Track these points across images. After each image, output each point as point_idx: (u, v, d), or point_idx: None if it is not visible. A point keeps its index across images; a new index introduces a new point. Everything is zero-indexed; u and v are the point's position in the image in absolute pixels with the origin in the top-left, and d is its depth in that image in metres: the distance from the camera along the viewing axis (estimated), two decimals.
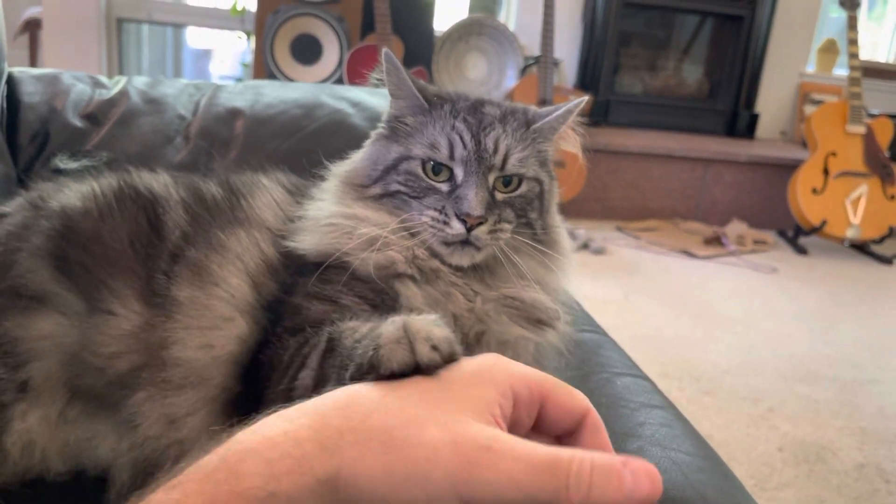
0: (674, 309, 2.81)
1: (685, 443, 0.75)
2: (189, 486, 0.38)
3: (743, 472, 1.79)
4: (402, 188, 0.69)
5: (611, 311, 2.73)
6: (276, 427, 0.41)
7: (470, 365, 0.46)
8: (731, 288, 3.12)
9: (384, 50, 0.71)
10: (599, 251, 3.38)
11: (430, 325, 0.48)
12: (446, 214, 0.66)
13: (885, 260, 3.70)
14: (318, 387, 0.54)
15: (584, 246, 3.42)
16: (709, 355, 2.41)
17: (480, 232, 0.65)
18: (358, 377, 0.48)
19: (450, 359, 0.47)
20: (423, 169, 0.69)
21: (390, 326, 0.49)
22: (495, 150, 0.68)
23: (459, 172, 0.68)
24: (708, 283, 3.16)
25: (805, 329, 2.74)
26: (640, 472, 0.41)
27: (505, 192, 0.70)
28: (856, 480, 1.80)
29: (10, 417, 0.62)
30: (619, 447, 0.72)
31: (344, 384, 0.46)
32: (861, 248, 3.83)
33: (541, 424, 0.47)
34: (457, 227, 0.65)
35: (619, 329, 2.55)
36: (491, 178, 0.68)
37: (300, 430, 0.41)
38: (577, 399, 0.47)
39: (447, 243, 0.66)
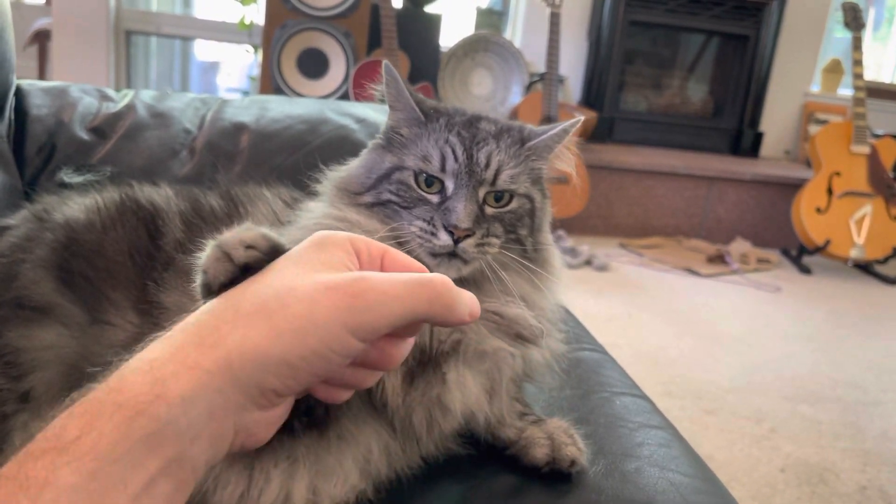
0: (677, 327, 2.80)
1: (683, 464, 0.75)
2: (73, 410, 0.39)
3: (745, 493, 1.78)
4: (394, 197, 0.69)
5: (613, 329, 2.72)
6: (154, 345, 0.42)
7: (307, 240, 0.49)
8: (734, 307, 3.11)
9: (384, 62, 0.73)
10: (603, 268, 3.38)
11: (240, 232, 0.50)
12: (434, 225, 0.66)
13: (889, 280, 3.69)
14: None
15: (588, 262, 3.41)
16: (711, 374, 2.41)
17: (468, 245, 0.66)
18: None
19: (273, 251, 0.48)
20: (416, 180, 0.69)
21: (207, 251, 0.50)
22: (487, 165, 0.69)
23: (450, 185, 0.68)
24: (711, 301, 3.15)
25: (808, 349, 2.73)
26: (474, 297, 0.49)
27: (495, 208, 0.70)
28: (858, 503, 1.79)
29: (12, 428, 0.63)
30: (617, 467, 0.72)
31: None
32: (865, 268, 3.82)
33: None
34: (444, 239, 0.66)
35: (622, 347, 2.54)
36: (481, 193, 0.69)
37: (176, 338, 0.42)
38: (415, 261, 0.52)
39: (434, 254, 0.67)
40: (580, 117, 0.75)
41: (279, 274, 0.46)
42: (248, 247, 0.48)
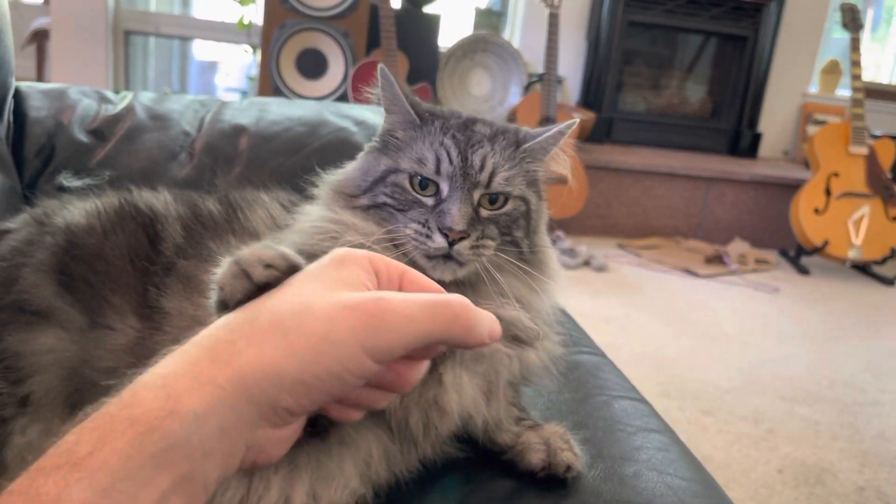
0: (675, 328, 2.80)
1: (682, 468, 0.75)
2: (85, 426, 0.38)
3: (743, 494, 1.79)
4: (389, 200, 0.70)
5: (612, 330, 2.73)
6: (168, 359, 0.42)
7: (327, 257, 0.49)
8: (732, 307, 3.12)
9: (380, 65, 0.73)
10: (601, 268, 3.38)
11: (259, 250, 0.50)
12: (429, 228, 0.66)
13: (887, 281, 3.70)
14: None
15: (586, 263, 3.42)
16: (709, 375, 2.41)
17: (462, 247, 0.66)
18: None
19: (291, 270, 0.48)
20: (410, 182, 0.69)
21: (224, 267, 0.50)
22: (482, 168, 0.69)
23: (445, 187, 0.69)
24: (709, 302, 3.16)
25: (806, 350, 2.73)
26: (494, 318, 0.49)
27: (490, 210, 0.70)
28: (856, 503, 1.79)
29: (11, 431, 0.63)
30: (616, 471, 0.72)
31: None
32: (863, 268, 3.83)
33: None
34: (439, 241, 0.66)
35: (620, 348, 2.55)
36: (476, 195, 0.69)
37: (191, 352, 0.42)
38: (433, 282, 0.51)
39: (430, 257, 0.67)
40: (576, 119, 0.75)
41: (297, 290, 0.46)
42: (267, 265, 0.48)
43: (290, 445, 0.46)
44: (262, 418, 0.41)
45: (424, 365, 0.50)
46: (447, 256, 0.66)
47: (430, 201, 0.69)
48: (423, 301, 0.45)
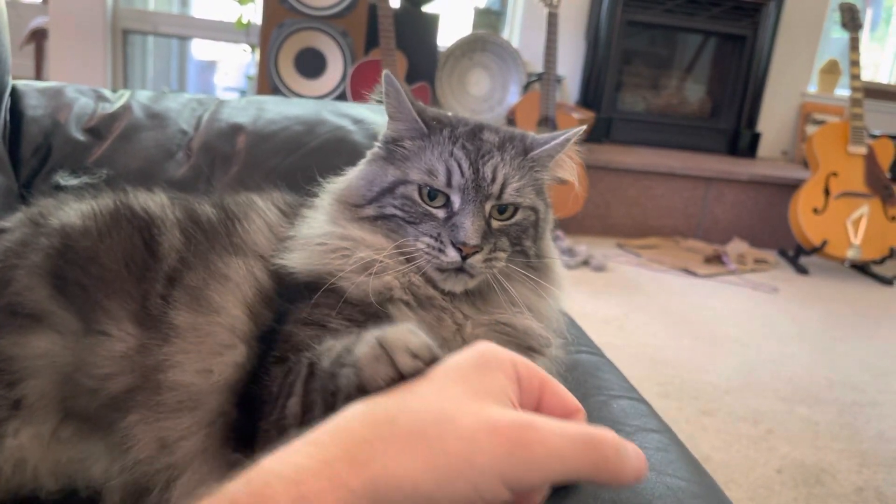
0: (674, 328, 2.80)
1: (681, 468, 0.75)
2: None
3: (741, 494, 1.78)
4: (398, 212, 0.69)
5: (611, 330, 2.72)
6: (301, 450, 0.40)
7: (470, 354, 0.46)
8: (731, 307, 3.11)
9: (384, 71, 0.71)
10: (600, 268, 3.38)
11: (405, 335, 0.48)
12: (442, 242, 0.66)
13: (886, 281, 3.70)
14: (305, 413, 0.54)
15: (585, 263, 3.41)
16: (708, 375, 2.41)
17: (475, 261, 0.66)
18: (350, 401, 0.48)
19: (432, 363, 0.47)
20: (420, 194, 0.69)
21: (365, 347, 0.48)
22: (493, 179, 0.68)
23: (456, 200, 0.68)
24: (708, 302, 3.15)
25: (805, 350, 2.73)
26: (642, 455, 0.45)
27: (501, 220, 0.70)
28: (854, 503, 1.79)
29: (3, 434, 0.62)
30: None
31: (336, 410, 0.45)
32: (862, 268, 3.82)
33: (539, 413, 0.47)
34: (452, 256, 0.65)
35: (619, 348, 2.54)
36: (488, 207, 0.68)
37: (327, 448, 0.40)
38: (570, 395, 0.49)
39: (442, 269, 0.66)
40: (583, 126, 0.75)
41: (439, 393, 0.43)
42: (414, 355, 0.47)
43: None
44: None
45: (547, 488, 0.47)
46: (459, 269, 0.66)
47: (441, 214, 0.68)
48: (573, 436, 0.41)
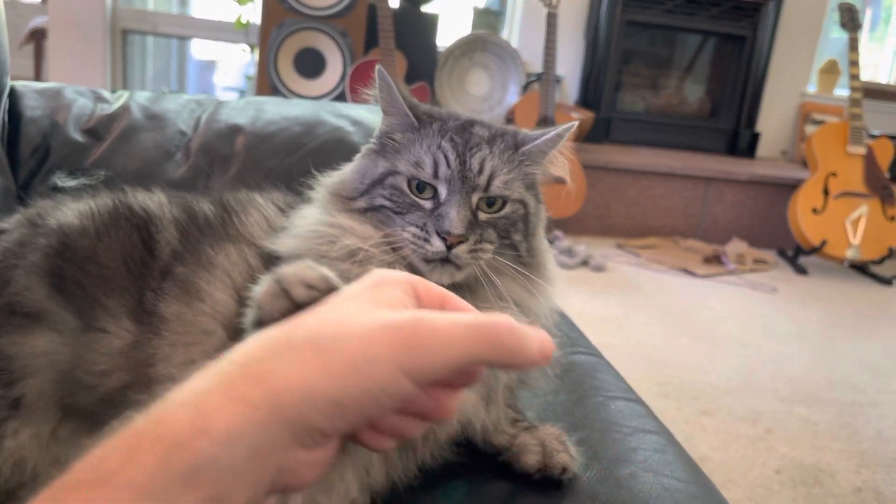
0: (673, 328, 2.80)
1: (678, 469, 0.75)
2: (112, 442, 0.37)
3: (740, 494, 1.78)
4: (387, 203, 0.69)
5: (610, 330, 2.72)
6: (199, 376, 0.40)
7: (365, 278, 0.47)
8: (730, 307, 3.12)
9: (377, 67, 0.72)
10: (599, 268, 3.38)
11: (301, 269, 0.49)
12: (427, 231, 0.66)
13: (885, 281, 3.70)
14: None
15: (584, 263, 3.41)
16: (707, 375, 2.41)
17: (461, 251, 0.66)
18: None
19: (330, 292, 0.47)
20: (408, 185, 0.69)
21: (264, 284, 0.49)
22: (480, 171, 0.69)
23: (443, 191, 0.68)
24: (707, 302, 3.16)
25: (804, 350, 2.73)
26: (546, 335, 0.46)
27: (488, 213, 0.70)
28: None
29: (2, 434, 0.62)
30: (612, 472, 0.72)
31: None
32: (861, 268, 3.83)
33: None
34: (437, 245, 0.65)
35: (618, 348, 2.54)
36: (474, 198, 0.69)
37: (223, 369, 0.40)
38: (473, 308, 0.49)
39: (427, 260, 0.66)
40: (575, 122, 0.75)
41: (334, 309, 0.44)
42: (309, 286, 0.47)
43: (324, 469, 0.44)
44: (295, 439, 0.39)
45: (462, 392, 0.47)
46: (445, 260, 0.66)
47: (428, 204, 0.68)
48: (465, 321, 0.42)
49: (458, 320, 0.43)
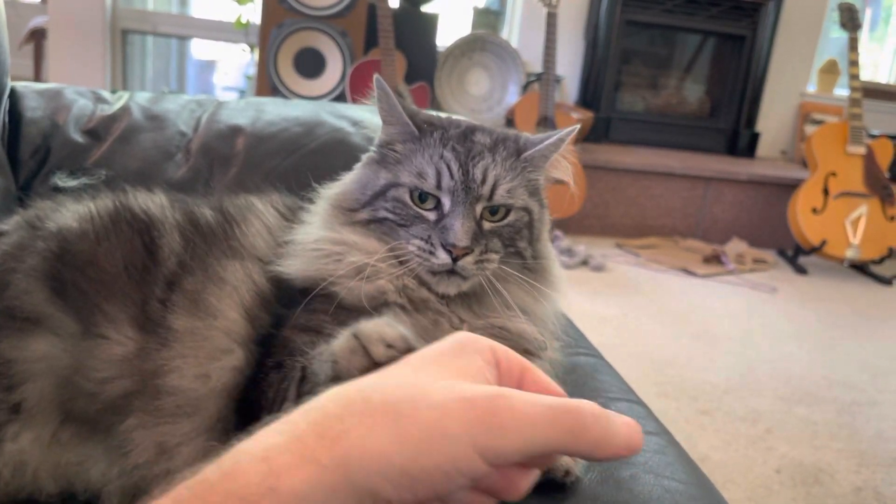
0: (673, 328, 2.80)
1: (678, 470, 0.75)
2: (180, 492, 0.36)
3: (740, 494, 1.79)
4: (390, 215, 0.69)
5: (609, 330, 2.72)
6: (273, 429, 0.40)
7: (447, 341, 0.46)
8: (730, 307, 3.12)
9: (375, 76, 0.72)
10: (599, 268, 3.38)
11: (380, 327, 0.49)
12: (432, 244, 0.66)
13: (885, 281, 3.70)
14: None
15: (584, 262, 3.41)
16: (707, 375, 2.41)
17: (466, 262, 0.66)
18: None
19: (408, 352, 0.47)
20: (411, 197, 0.69)
21: (342, 339, 0.49)
22: (483, 181, 0.68)
23: (446, 202, 0.68)
24: (707, 301, 3.16)
25: (804, 350, 2.73)
26: (633, 424, 0.43)
27: (492, 222, 0.70)
28: (853, 503, 1.79)
29: (3, 438, 0.62)
30: (612, 474, 0.72)
31: None
32: (861, 268, 3.83)
33: None
34: (442, 258, 0.65)
35: (618, 348, 2.54)
36: (478, 208, 0.68)
37: (298, 425, 0.39)
38: (553, 382, 0.48)
39: (434, 272, 0.66)
40: (576, 125, 0.75)
41: (414, 374, 0.43)
42: (388, 346, 0.47)
43: None
44: None
45: (536, 473, 0.45)
46: (451, 272, 0.66)
47: (432, 216, 0.68)
48: (548, 404, 0.41)
49: (540, 401, 0.41)
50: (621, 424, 0.42)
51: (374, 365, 0.46)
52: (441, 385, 0.41)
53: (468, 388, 0.41)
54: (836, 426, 2.16)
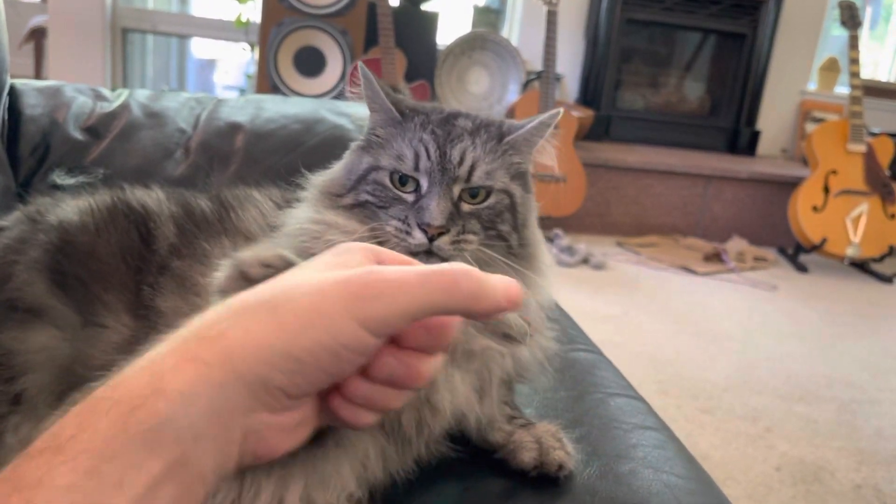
0: (673, 326, 2.80)
1: (678, 465, 0.75)
2: (71, 411, 0.37)
3: (740, 492, 1.79)
4: (371, 198, 0.69)
5: (610, 328, 2.72)
6: (158, 344, 0.41)
7: (332, 250, 0.47)
8: (730, 305, 3.12)
9: (359, 62, 0.73)
10: (599, 266, 3.38)
11: (258, 251, 0.50)
12: (409, 224, 0.66)
13: (885, 279, 3.70)
14: None
15: (585, 261, 3.41)
16: (707, 373, 2.41)
17: (443, 242, 0.66)
18: None
19: (288, 268, 0.48)
20: (391, 180, 0.69)
21: (224, 268, 0.50)
22: (461, 162, 0.68)
23: (424, 183, 0.68)
24: (707, 300, 3.16)
25: (804, 348, 2.73)
26: (509, 280, 0.44)
27: (472, 204, 0.69)
28: (853, 501, 1.79)
29: (4, 430, 0.63)
30: (611, 469, 0.72)
31: None
32: (861, 266, 3.83)
33: None
34: (418, 237, 0.65)
35: (618, 345, 2.55)
36: (456, 190, 0.68)
37: (178, 333, 0.41)
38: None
39: (411, 253, 0.66)
40: (559, 109, 0.75)
41: (290, 274, 0.45)
42: (266, 265, 0.48)
43: (299, 439, 0.43)
44: (256, 400, 0.39)
45: (438, 359, 0.47)
46: (429, 252, 0.66)
47: (410, 198, 0.68)
48: (419, 269, 0.42)
49: (411, 269, 0.42)
50: (496, 279, 0.44)
51: (253, 285, 0.47)
52: (317, 276, 0.42)
53: (342, 272, 0.42)
54: (836, 424, 2.16)
